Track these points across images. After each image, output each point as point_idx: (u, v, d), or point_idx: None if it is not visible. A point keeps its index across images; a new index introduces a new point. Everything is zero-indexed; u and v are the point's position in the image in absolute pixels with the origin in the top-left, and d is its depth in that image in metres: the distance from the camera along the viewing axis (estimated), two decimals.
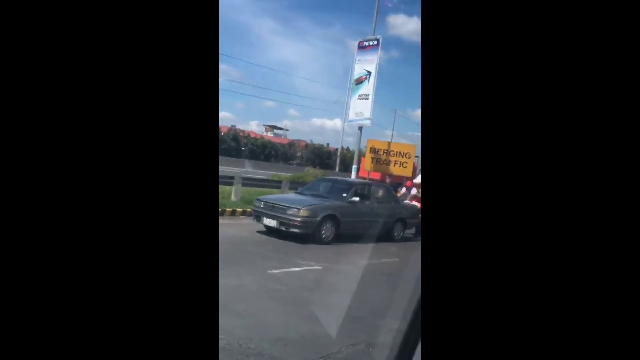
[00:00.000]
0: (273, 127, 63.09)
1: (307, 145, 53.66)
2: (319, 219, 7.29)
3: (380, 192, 8.96)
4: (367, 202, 8.31)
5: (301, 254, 6.49)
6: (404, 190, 10.50)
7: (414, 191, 10.27)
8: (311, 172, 20.71)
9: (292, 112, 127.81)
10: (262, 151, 49.23)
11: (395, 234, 8.65)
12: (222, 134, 48.38)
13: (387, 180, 11.34)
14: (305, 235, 7.19)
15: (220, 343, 3.02)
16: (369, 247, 7.35)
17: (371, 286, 4.90)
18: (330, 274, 5.53)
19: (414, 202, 9.79)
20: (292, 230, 7.14)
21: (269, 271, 5.29)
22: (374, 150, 12.44)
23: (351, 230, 7.74)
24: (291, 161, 49.18)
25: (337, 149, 39.96)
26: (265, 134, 59.22)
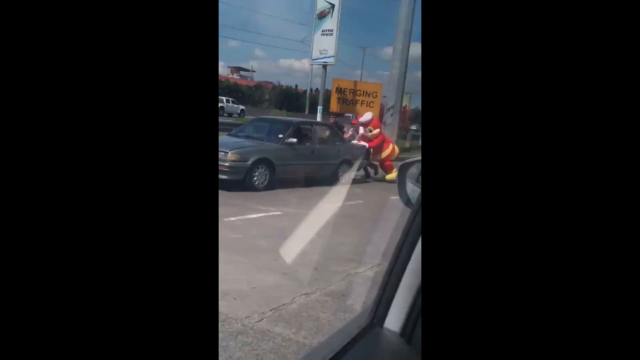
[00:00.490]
0: (239, 69, 61.08)
1: (274, 87, 52.30)
2: (249, 163, 6.61)
3: (323, 133, 8.42)
4: (307, 144, 7.70)
5: (260, 200, 6.26)
6: (351, 131, 9.93)
7: (361, 130, 9.70)
8: (275, 115, 20.17)
9: (258, 52, 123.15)
10: (228, 94, 47.90)
11: (340, 176, 8.13)
12: None
13: (332, 120, 10.60)
14: (234, 182, 6.48)
15: None
16: (331, 190, 7.18)
17: (330, 231, 4.73)
18: (289, 219, 5.32)
19: (362, 143, 9.29)
20: (219, 176, 6.26)
21: (226, 219, 5.05)
22: (339, 90, 12.05)
23: (288, 174, 7.23)
24: (259, 104, 48.05)
25: (305, 91, 39.10)
26: (230, 75, 57.34)
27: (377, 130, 9.43)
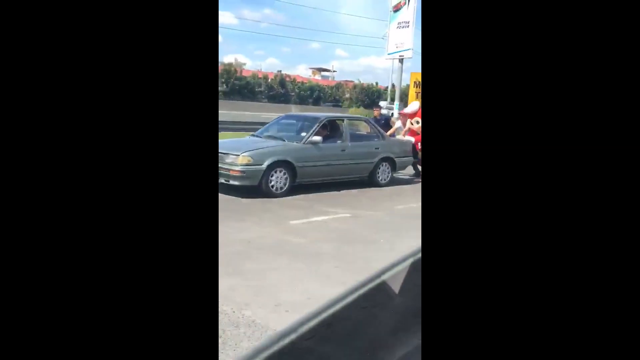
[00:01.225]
0: (320, 70, 61.85)
1: (355, 86, 52.17)
2: (264, 166, 5.82)
3: (357, 128, 7.40)
4: (337, 142, 6.78)
5: (330, 201, 6.03)
6: (398, 123, 8.47)
7: (407, 123, 8.30)
8: (353, 113, 19.93)
9: (339, 52, 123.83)
10: (310, 95, 48.63)
11: (379, 177, 7.07)
12: (269, 80, 48.13)
13: (375, 112, 9.38)
14: (248, 188, 5.86)
15: None
16: (369, 192, 6.75)
17: (402, 235, 4.37)
18: (357, 222, 5.04)
19: (408, 137, 7.96)
20: (231, 182, 5.72)
21: (291, 222, 4.89)
22: (417, 84, 11.50)
23: (314, 176, 6.38)
24: (340, 103, 48.21)
25: (387, 88, 38.58)
26: (312, 77, 58.22)
27: None
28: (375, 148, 7.13)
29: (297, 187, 6.24)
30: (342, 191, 6.74)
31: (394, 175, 7.51)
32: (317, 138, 6.41)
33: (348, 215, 5.34)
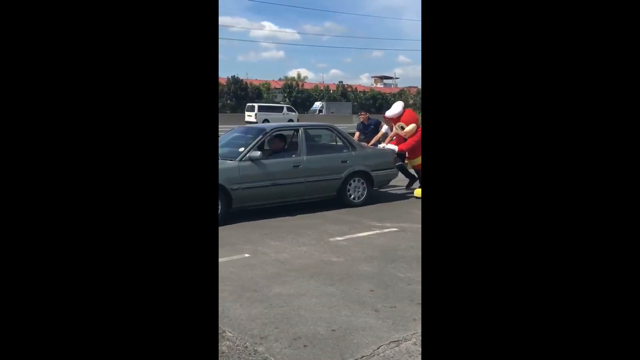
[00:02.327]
0: (382, 78, 61.62)
1: (418, 92, 51.15)
2: None
3: (317, 138, 6.05)
4: (289, 156, 5.60)
5: (379, 214, 5.64)
6: (384, 128, 6.99)
7: (384, 128, 6.93)
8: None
9: (402, 58, 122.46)
10: (373, 103, 48.28)
11: (351, 195, 5.87)
12: (331, 91, 48.44)
13: (362, 116, 7.73)
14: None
15: (223, 346, 2.42)
16: (331, 215, 5.96)
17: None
18: (405, 236, 4.62)
19: (391, 145, 6.45)
20: None
21: (332, 239, 4.58)
22: None
23: (257, 200, 5.25)
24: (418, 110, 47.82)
25: None
26: (374, 85, 57.97)
27: (411, 126, 6.19)
28: (342, 161, 5.81)
29: (241, 213, 5.15)
30: (384, 203, 6.34)
31: (379, 190, 6.35)
32: (257, 153, 5.21)
33: (395, 229, 4.93)
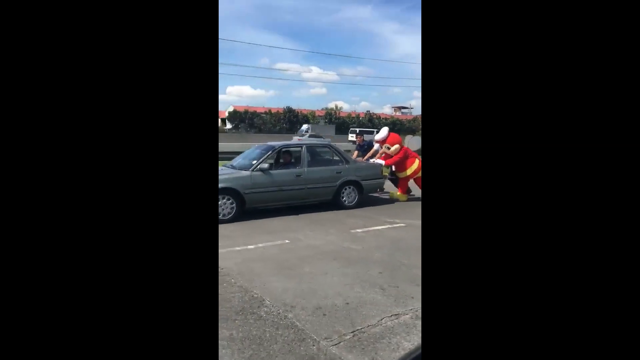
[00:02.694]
0: (400, 108, 60.66)
1: None
2: None
3: (316, 154, 5.90)
4: (292, 168, 5.51)
5: (390, 212, 5.46)
6: (376, 147, 6.89)
7: (376, 146, 6.80)
8: (408, 139, 17.34)
9: (416, 93, 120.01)
10: (392, 128, 47.73)
11: (344, 199, 5.71)
12: (360, 118, 48.17)
13: (358, 139, 7.69)
14: None
15: (261, 311, 2.35)
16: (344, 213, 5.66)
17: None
18: (410, 231, 4.44)
19: (379, 160, 6.44)
20: None
21: (352, 230, 4.45)
22: None
23: (266, 202, 5.21)
24: (416, 132, 46.67)
25: None
26: (394, 114, 57.25)
27: (396, 146, 6.36)
28: (337, 172, 5.70)
29: (244, 212, 5.02)
30: (395, 203, 6.14)
31: (370, 195, 6.15)
32: (265, 165, 5.19)
33: (404, 224, 4.75)
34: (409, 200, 6.42)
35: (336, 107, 51.51)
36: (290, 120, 44.07)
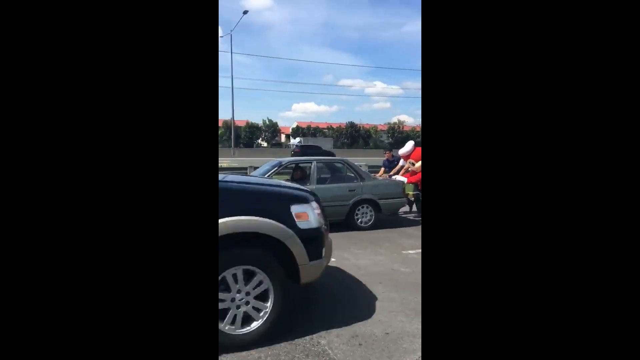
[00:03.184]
0: None
1: None
2: None
3: (328, 170, 5.49)
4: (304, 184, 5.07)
5: None
6: (402, 162, 6.34)
7: (401, 162, 6.22)
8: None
9: None
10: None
11: (359, 220, 5.26)
12: (402, 128, 47.03)
13: (386, 154, 7.03)
14: None
15: (293, 335, 2.25)
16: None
17: None
18: None
19: (400, 177, 5.90)
20: None
21: (404, 251, 4.17)
22: None
23: None
24: None
25: None
26: None
27: (420, 163, 5.72)
28: (350, 190, 5.24)
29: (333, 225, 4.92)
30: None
31: (389, 216, 5.60)
32: None
33: None
34: None
35: (398, 121, 50.64)
36: (352, 135, 44.19)
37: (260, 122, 48.18)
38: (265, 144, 47.14)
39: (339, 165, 5.70)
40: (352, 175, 5.51)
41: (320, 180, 5.29)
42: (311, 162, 5.41)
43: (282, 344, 2.13)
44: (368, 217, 5.35)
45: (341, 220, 5.27)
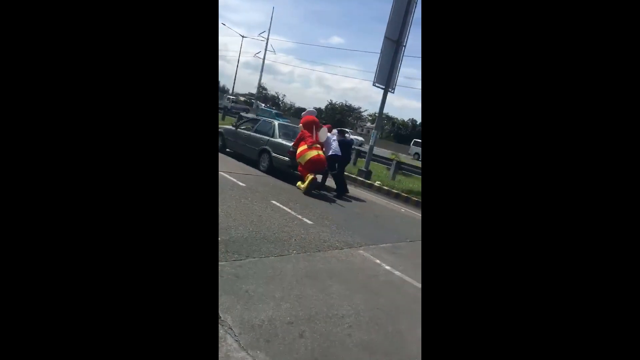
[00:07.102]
0: None
1: None
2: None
3: (264, 127, 7.70)
4: (251, 131, 7.79)
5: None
6: (328, 134, 6.90)
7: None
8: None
9: None
10: None
11: (261, 163, 7.32)
12: None
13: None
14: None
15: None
16: None
17: None
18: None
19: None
20: None
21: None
22: None
23: (234, 148, 8.07)
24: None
25: None
26: None
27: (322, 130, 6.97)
28: (260, 141, 7.44)
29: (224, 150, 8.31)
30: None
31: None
32: (232, 128, 8.27)
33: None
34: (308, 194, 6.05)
35: None
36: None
37: None
38: None
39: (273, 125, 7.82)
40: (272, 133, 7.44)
41: (257, 131, 7.76)
42: (259, 119, 8.42)
43: None
44: (265, 162, 7.25)
45: (255, 159, 7.48)
